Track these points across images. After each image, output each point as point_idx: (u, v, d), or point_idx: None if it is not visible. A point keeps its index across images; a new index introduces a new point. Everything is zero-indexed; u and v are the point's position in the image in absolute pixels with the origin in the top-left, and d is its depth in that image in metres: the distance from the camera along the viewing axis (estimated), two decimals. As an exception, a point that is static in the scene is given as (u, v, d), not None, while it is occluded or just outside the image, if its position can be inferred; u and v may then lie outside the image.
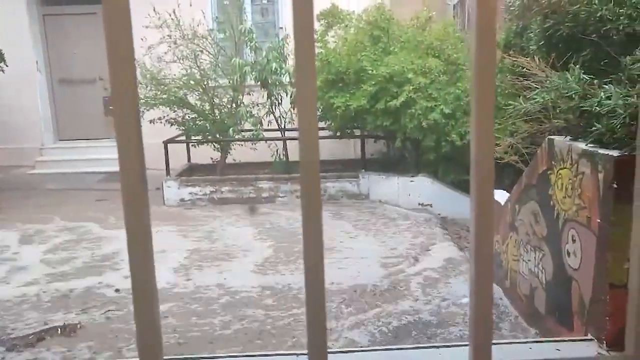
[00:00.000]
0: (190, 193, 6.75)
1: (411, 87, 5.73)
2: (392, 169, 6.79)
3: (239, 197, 6.71)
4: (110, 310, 3.59)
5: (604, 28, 2.84)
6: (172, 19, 6.78)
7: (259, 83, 6.93)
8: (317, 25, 6.52)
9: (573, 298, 2.53)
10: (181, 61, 6.90)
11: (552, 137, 2.80)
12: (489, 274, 0.86)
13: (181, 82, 6.89)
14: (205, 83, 7.00)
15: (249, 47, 7.05)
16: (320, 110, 6.32)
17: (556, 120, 2.82)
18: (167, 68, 6.90)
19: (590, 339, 2.27)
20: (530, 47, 3.50)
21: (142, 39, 6.03)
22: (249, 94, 7.24)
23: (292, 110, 7.01)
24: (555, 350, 2.11)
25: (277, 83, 6.94)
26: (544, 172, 2.88)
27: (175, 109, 7.02)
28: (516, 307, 3.35)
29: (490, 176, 0.83)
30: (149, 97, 6.77)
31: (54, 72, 9.26)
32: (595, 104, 2.32)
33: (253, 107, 7.04)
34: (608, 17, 2.82)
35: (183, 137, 7.29)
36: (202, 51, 7.01)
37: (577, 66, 2.68)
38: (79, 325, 3.35)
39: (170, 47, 6.85)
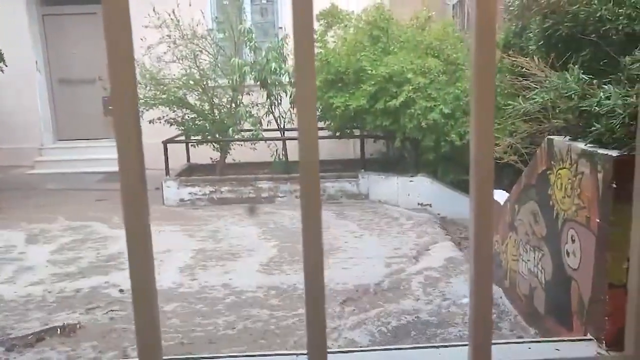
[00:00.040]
0: (189, 193, 6.75)
1: (410, 87, 5.73)
2: (392, 169, 6.79)
3: (239, 197, 6.71)
4: (113, 310, 3.59)
5: (604, 28, 2.84)
6: (171, 19, 6.77)
7: (258, 83, 6.93)
8: (317, 25, 6.51)
9: (572, 298, 2.53)
10: (180, 61, 6.90)
11: (551, 137, 2.80)
12: (488, 274, 0.86)
13: (180, 82, 6.89)
14: (204, 83, 6.99)
15: (248, 47, 7.04)
16: (319, 110, 6.32)
17: (555, 120, 2.82)
18: (167, 68, 6.89)
19: (590, 339, 2.27)
20: (530, 47, 3.50)
21: (141, 39, 6.02)
22: (248, 94, 7.24)
23: (291, 110, 7.01)
24: (554, 350, 2.11)
25: (277, 83, 6.94)
26: (543, 172, 2.88)
27: (175, 109, 7.02)
28: (516, 307, 3.35)
29: (490, 176, 0.83)
30: (149, 97, 6.76)
31: (53, 72, 9.25)
32: (595, 104, 2.32)
33: (252, 107, 7.04)
34: (607, 17, 2.82)
35: (182, 137, 7.29)
36: (201, 51, 7.00)
37: (577, 66, 2.68)
38: (78, 326, 3.35)
39: (169, 47, 6.85)
